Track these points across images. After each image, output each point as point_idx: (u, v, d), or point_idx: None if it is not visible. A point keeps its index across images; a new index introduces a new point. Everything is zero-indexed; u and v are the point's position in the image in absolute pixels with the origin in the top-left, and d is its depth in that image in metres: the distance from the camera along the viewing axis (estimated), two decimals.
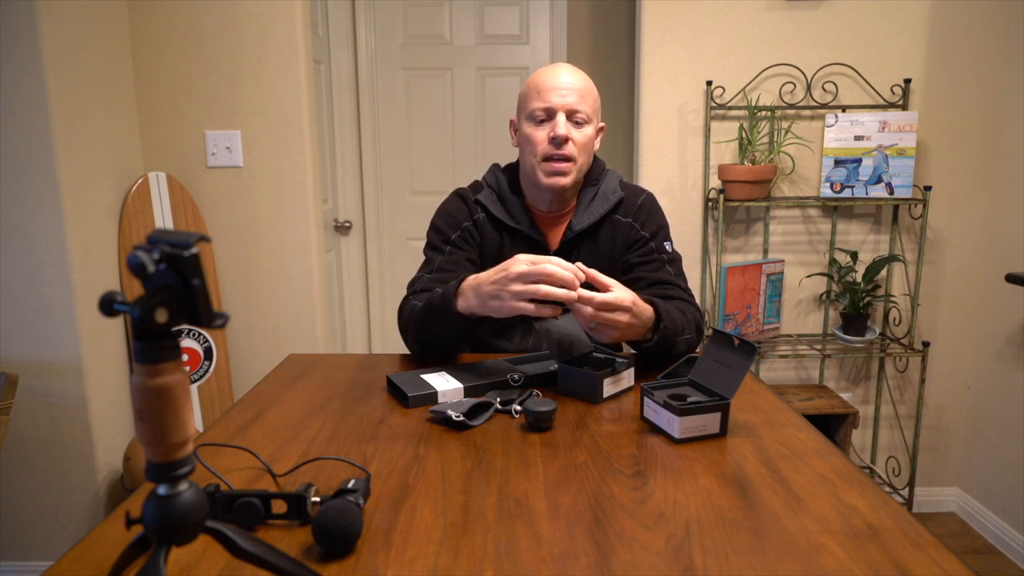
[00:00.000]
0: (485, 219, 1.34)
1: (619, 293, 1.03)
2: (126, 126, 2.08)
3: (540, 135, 1.24)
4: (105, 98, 1.97)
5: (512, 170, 1.38)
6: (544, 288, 0.97)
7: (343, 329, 2.99)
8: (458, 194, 1.37)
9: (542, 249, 1.32)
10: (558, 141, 1.22)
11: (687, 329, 1.18)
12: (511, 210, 1.33)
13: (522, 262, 1.01)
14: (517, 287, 0.99)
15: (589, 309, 1.00)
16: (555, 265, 0.98)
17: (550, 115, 1.23)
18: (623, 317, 1.03)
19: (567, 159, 1.24)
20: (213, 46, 2.10)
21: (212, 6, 2.08)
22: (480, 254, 1.34)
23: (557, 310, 0.99)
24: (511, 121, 1.34)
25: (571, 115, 1.23)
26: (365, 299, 3.09)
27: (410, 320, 1.21)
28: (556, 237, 1.34)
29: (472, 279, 1.10)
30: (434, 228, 1.35)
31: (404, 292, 1.33)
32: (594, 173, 1.35)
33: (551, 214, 1.34)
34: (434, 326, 1.15)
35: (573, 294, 0.98)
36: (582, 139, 1.25)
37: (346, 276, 3.01)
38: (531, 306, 0.99)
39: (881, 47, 2.13)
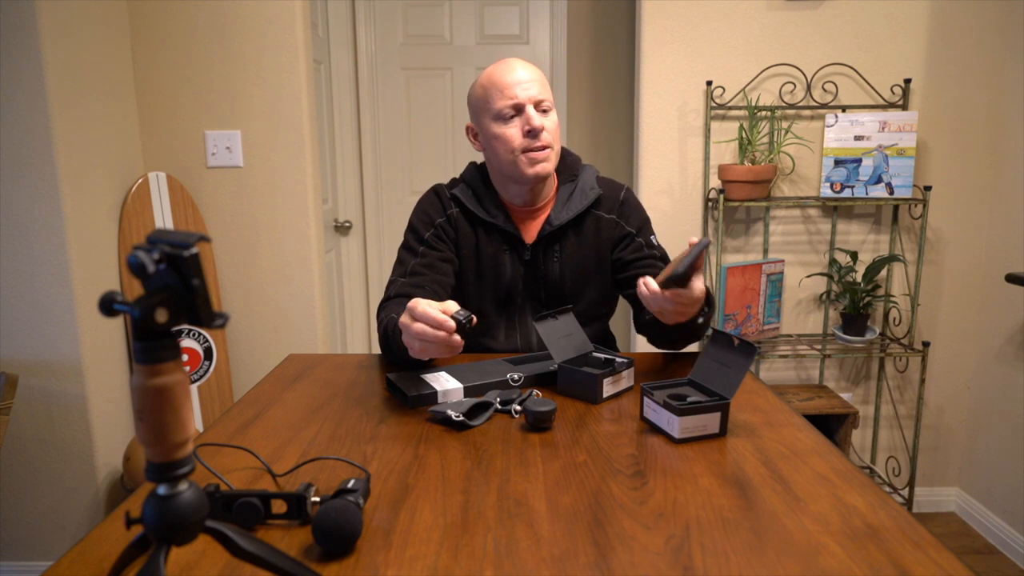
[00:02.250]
0: (459, 214, 1.35)
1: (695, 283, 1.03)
2: (126, 126, 2.08)
3: (512, 131, 1.23)
4: (105, 98, 1.97)
5: (485, 169, 1.38)
6: (418, 345, 0.95)
7: (343, 329, 2.99)
8: (434, 190, 1.38)
9: (519, 242, 1.33)
10: (535, 133, 1.22)
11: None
12: (485, 204, 1.34)
13: (406, 311, 0.98)
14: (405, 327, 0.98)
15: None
16: (425, 324, 0.94)
17: (519, 110, 1.23)
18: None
19: (545, 147, 1.24)
20: (213, 46, 2.10)
21: (212, 6, 2.08)
22: (456, 249, 1.35)
23: (453, 352, 0.96)
24: (468, 127, 1.33)
25: (537, 105, 1.23)
26: (365, 299, 3.09)
27: (379, 334, 1.23)
28: (532, 231, 1.34)
29: None
30: (410, 227, 1.36)
31: None
32: (572, 169, 1.36)
33: (526, 208, 1.34)
34: (392, 347, 1.16)
35: (445, 352, 0.96)
36: (552, 126, 1.25)
37: (346, 276, 3.01)
38: (416, 351, 0.98)
39: (881, 47, 2.13)
